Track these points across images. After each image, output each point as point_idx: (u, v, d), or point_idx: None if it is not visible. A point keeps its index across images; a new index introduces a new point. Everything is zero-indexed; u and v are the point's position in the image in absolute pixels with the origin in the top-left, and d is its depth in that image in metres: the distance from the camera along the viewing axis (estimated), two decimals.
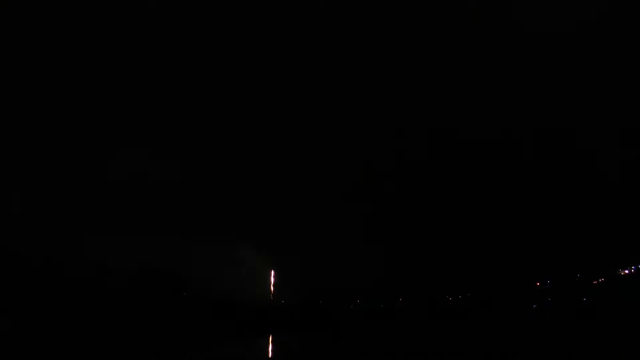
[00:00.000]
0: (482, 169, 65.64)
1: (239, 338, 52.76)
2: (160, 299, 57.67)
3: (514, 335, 49.44)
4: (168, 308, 57.07)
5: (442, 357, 35.02)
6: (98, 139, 60.21)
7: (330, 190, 66.09)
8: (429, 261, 64.32)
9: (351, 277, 62.73)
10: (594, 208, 61.24)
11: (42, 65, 58.69)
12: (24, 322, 48.11)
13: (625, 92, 63.05)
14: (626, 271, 57.12)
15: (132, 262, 57.20)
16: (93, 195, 58.46)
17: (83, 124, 60.21)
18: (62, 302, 51.41)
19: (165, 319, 54.99)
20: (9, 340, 44.00)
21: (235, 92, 65.78)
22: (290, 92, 66.09)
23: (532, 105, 63.39)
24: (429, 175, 67.11)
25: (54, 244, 53.99)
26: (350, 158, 66.78)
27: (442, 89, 64.92)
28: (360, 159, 66.78)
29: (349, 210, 64.90)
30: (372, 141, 66.74)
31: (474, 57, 64.69)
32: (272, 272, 67.30)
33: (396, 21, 65.15)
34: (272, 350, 42.75)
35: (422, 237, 65.60)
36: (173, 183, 60.47)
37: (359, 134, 66.36)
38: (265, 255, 62.83)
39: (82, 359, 36.89)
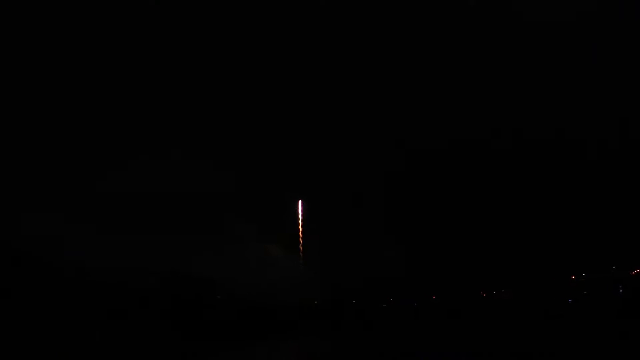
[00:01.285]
0: (514, 163, 64.52)
1: (270, 339, 53.35)
2: (192, 301, 56.83)
3: (549, 332, 49.72)
4: (200, 310, 56.40)
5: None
6: (121, 144, 60.20)
7: (359, 185, 64.79)
8: (461, 256, 62.70)
9: (382, 274, 61.21)
10: (630, 199, 60.47)
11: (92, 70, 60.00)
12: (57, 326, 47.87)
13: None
14: None
15: (164, 264, 56.75)
16: (119, 200, 57.96)
17: (105, 129, 60.24)
18: (94, 306, 51.12)
19: (197, 321, 54.62)
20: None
21: (244, 93, 64.84)
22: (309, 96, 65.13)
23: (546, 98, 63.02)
24: (459, 169, 66.05)
25: (83, 248, 53.75)
26: (368, 156, 65.31)
27: (448, 86, 64.25)
28: (380, 157, 65.38)
29: (377, 204, 64.36)
30: (394, 138, 65.63)
31: (481, 51, 63.97)
32: (300, 202, 63.70)
33: (398, 20, 64.24)
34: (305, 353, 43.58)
35: (453, 231, 64.04)
36: (200, 185, 59.80)
37: (384, 131, 65.24)
38: (293, 254, 60.21)
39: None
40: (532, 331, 51.32)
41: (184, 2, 61.51)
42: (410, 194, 65.12)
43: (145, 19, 60.74)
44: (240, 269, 57.53)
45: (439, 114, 62.39)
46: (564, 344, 40.74)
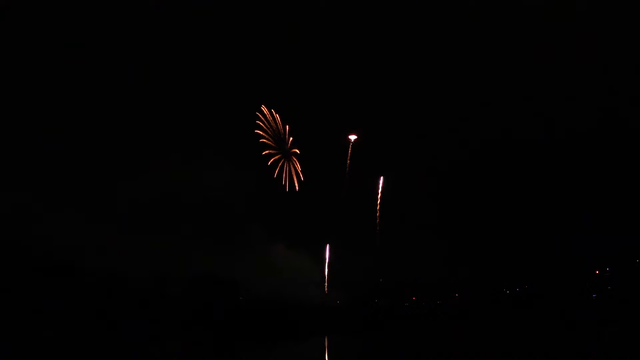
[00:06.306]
0: (536, 162, 65.90)
1: (293, 339, 54.22)
2: (218, 303, 58.68)
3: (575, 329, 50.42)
4: (225, 311, 58.26)
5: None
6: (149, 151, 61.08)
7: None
8: (483, 255, 63.35)
9: (404, 273, 63.42)
10: None
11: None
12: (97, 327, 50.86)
13: None
14: None
15: (190, 270, 58.75)
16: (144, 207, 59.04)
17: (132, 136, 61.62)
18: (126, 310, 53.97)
19: (222, 322, 56.61)
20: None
21: None
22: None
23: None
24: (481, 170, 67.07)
25: (116, 258, 55.68)
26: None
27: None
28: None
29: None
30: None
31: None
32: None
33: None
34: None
35: (475, 230, 64.77)
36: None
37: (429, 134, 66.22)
38: (312, 256, 61.86)
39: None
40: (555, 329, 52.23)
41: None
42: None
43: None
44: (262, 271, 59.13)
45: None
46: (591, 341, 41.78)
